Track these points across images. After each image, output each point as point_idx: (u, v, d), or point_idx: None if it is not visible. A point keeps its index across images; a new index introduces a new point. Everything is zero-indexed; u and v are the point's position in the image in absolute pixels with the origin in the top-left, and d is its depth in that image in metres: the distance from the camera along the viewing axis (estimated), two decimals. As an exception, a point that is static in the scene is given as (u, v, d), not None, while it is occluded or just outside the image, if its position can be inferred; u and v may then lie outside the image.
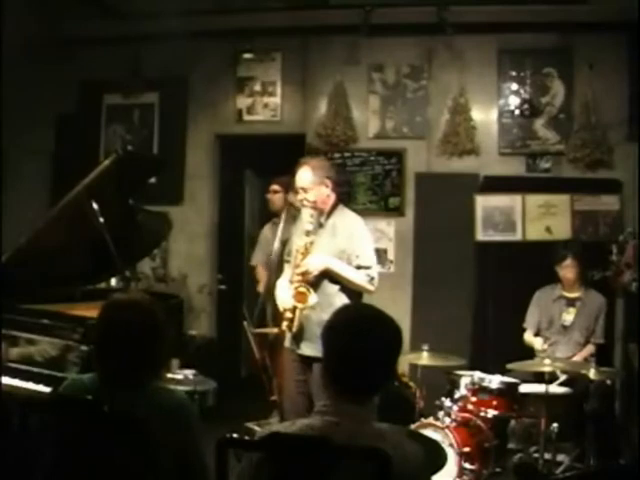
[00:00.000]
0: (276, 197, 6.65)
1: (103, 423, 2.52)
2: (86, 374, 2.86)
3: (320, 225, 4.74)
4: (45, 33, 7.42)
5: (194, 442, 2.73)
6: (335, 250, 4.66)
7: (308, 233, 4.65)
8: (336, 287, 4.65)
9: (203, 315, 7.75)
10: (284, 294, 4.70)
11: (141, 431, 2.50)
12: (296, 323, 4.58)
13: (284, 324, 4.66)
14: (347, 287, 4.65)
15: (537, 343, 6.04)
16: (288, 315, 4.62)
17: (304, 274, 4.58)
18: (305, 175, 4.72)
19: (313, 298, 4.54)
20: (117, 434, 2.50)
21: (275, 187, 6.67)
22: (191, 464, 2.69)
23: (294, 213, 5.56)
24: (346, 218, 4.81)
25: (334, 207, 4.80)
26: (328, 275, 4.62)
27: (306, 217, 4.71)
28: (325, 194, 4.74)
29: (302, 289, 4.55)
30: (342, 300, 4.57)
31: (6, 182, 7.74)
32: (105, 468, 2.50)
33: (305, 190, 4.70)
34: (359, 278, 4.66)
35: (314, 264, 4.58)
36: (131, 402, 2.59)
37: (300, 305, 4.55)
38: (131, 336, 2.68)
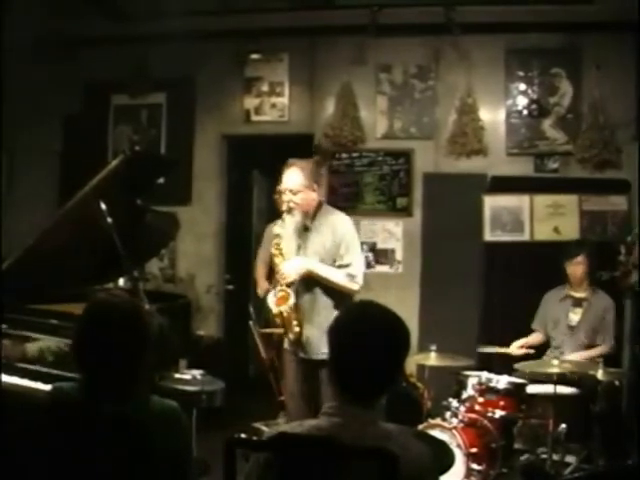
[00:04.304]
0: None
1: (100, 427, 2.46)
2: (66, 383, 2.70)
3: (306, 228, 4.68)
4: (52, 34, 7.43)
5: (187, 452, 2.67)
6: (322, 251, 4.63)
7: (277, 237, 4.65)
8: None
9: (211, 315, 7.77)
10: (270, 299, 4.73)
11: (140, 437, 2.47)
12: (294, 329, 4.59)
13: (281, 329, 4.71)
14: (330, 288, 4.62)
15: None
16: (279, 320, 4.66)
17: (283, 278, 4.58)
18: (295, 177, 4.65)
19: (292, 299, 4.55)
20: (115, 439, 2.45)
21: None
22: (183, 473, 2.59)
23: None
24: (330, 218, 4.74)
25: (318, 208, 4.74)
26: (311, 278, 4.60)
27: (288, 221, 4.66)
28: (312, 197, 4.69)
29: (282, 293, 4.57)
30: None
31: (14, 182, 7.78)
32: (99, 472, 2.45)
33: (293, 192, 4.64)
34: (340, 278, 4.61)
35: (293, 268, 4.57)
36: (122, 412, 2.49)
37: (282, 308, 4.56)
38: (112, 340, 2.52)
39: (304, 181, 4.65)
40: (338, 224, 4.73)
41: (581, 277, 6.12)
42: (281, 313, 4.60)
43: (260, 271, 6.67)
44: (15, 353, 4.28)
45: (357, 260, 4.69)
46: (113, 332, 2.53)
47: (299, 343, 4.65)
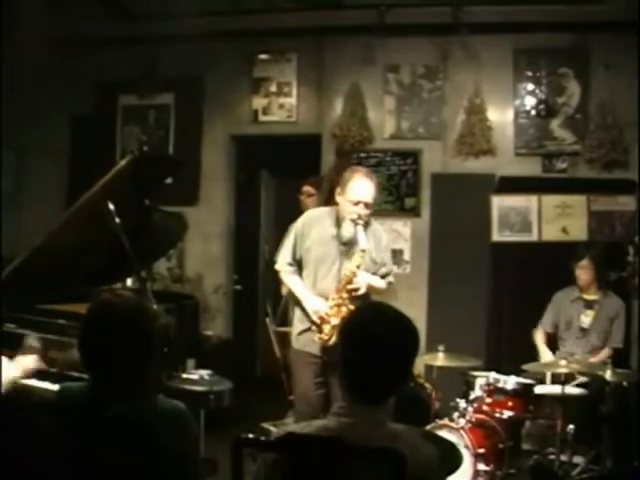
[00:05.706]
0: (310, 200, 6.42)
1: (107, 427, 2.46)
2: (74, 383, 2.71)
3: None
4: (61, 34, 7.45)
5: (194, 452, 2.67)
6: (367, 260, 4.60)
7: (364, 252, 4.47)
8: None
9: (219, 315, 7.77)
10: (322, 306, 4.58)
11: (147, 437, 2.47)
12: (334, 338, 4.48)
13: (322, 335, 4.56)
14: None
15: (545, 355, 6.07)
16: (328, 329, 4.52)
17: (353, 292, 4.49)
18: (372, 191, 4.56)
19: None
20: (122, 439, 2.45)
21: (309, 189, 6.51)
22: (190, 474, 2.59)
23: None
24: (372, 227, 4.72)
25: None
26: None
27: (350, 231, 4.54)
28: None
29: (352, 306, 4.43)
30: None
31: (23, 182, 7.79)
32: (107, 473, 2.45)
33: (368, 206, 4.56)
34: (383, 285, 4.73)
35: (364, 283, 4.53)
36: (129, 412, 2.49)
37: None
38: (116, 340, 2.51)
39: (376, 194, 4.62)
40: (380, 234, 4.77)
41: (588, 280, 6.10)
42: (333, 326, 4.49)
43: None
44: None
45: (392, 266, 4.87)
46: (117, 332, 2.52)
47: (330, 347, 4.55)
